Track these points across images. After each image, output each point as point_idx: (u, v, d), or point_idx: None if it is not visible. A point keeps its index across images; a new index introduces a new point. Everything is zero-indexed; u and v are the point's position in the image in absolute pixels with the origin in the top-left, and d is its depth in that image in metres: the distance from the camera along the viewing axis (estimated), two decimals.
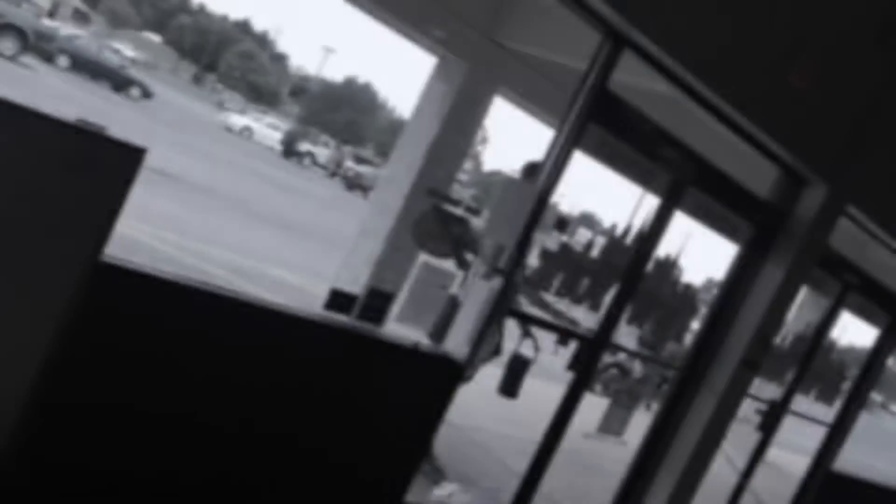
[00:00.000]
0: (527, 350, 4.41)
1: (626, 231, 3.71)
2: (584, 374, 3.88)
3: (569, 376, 3.91)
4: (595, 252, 3.60)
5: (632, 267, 3.76)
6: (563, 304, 3.62)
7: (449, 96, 5.19)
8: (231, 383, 2.75)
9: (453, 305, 3.63)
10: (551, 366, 4.20)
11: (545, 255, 3.40)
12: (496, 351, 4.18)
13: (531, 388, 4.56)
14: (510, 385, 4.43)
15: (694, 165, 3.85)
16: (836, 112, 4.26)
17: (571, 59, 4.58)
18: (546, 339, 4.03)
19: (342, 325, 2.96)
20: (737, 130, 3.94)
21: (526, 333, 4.40)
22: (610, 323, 3.85)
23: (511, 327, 4.07)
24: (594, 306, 3.65)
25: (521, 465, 4.06)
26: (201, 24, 74.42)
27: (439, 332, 3.54)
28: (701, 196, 4.05)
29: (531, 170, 3.91)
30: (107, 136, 2.16)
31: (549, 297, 3.61)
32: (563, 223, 3.79)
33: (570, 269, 3.48)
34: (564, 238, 3.80)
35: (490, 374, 4.56)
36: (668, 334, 4.17)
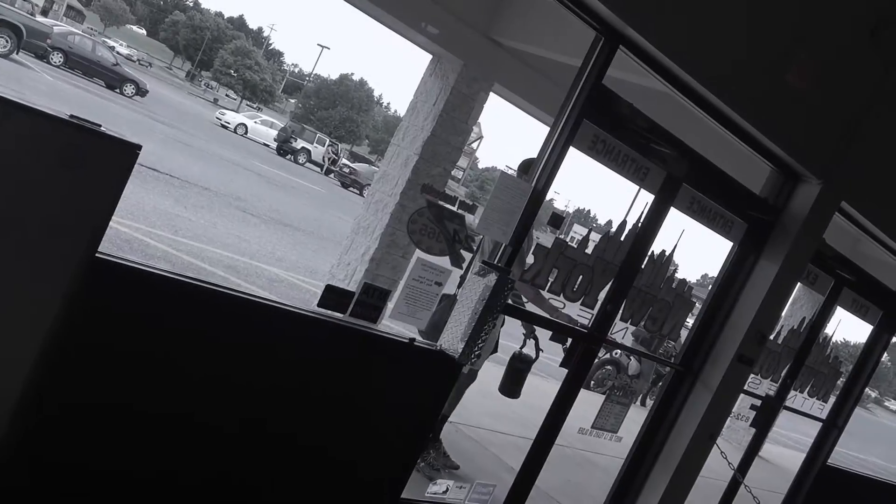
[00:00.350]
0: (528, 350, 4.41)
1: (621, 227, 3.71)
2: (579, 370, 3.88)
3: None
4: (590, 248, 3.60)
5: (627, 263, 3.76)
6: (558, 301, 3.62)
7: (444, 93, 5.19)
8: (228, 381, 2.75)
9: (449, 302, 3.63)
10: (547, 365, 4.20)
11: (539, 251, 3.40)
12: (493, 349, 4.18)
13: (528, 386, 4.57)
14: (512, 385, 4.42)
15: (688, 161, 3.86)
16: (832, 109, 4.27)
17: (566, 56, 4.58)
18: (546, 338, 4.03)
19: (337, 322, 2.95)
20: (733, 128, 3.95)
21: (529, 334, 4.39)
22: (605, 319, 3.86)
23: (513, 327, 4.07)
24: (589, 303, 3.65)
25: (517, 461, 4.07)
26: (195, 21, 74.25)
27: (434, 330, 3.54)
28: (696, 192, 4.06)
29: (527, 167, 3.91)
30: (101, 133, 2.15)
31: (545, 294, 3.61)
32: (557, 220, 3.79)
33: (565, 265, 3.48)
34: (559, 234, 3.80)
35: (488, 371, 4.56)
36: (663, 331, 4.17)
